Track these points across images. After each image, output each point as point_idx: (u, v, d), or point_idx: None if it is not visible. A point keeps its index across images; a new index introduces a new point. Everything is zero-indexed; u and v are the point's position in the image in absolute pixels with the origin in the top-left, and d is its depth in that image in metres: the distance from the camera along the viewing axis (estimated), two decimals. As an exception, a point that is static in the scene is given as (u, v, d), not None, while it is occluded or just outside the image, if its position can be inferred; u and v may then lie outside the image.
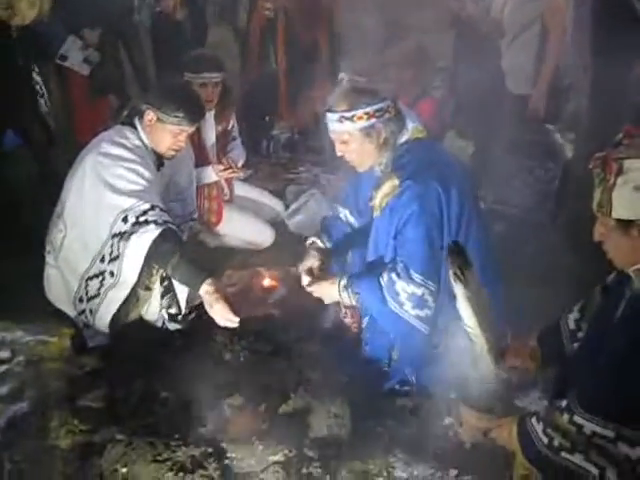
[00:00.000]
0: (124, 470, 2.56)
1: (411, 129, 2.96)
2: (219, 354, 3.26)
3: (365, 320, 3.14)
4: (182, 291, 3.26)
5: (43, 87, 4.25)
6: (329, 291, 3.04)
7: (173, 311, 3.29)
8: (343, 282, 2.99)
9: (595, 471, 1.93)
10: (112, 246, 3.15)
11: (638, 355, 1.89)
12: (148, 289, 3.23)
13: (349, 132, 2.88)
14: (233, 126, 4.56)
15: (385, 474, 2.66)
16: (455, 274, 2.24)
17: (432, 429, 2.87)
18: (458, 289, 2.27)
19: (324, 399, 2.89)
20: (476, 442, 2.58)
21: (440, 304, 2.85)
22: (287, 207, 4.80)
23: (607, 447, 1.92)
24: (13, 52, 3.93)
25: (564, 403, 2.01)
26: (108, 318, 3.23)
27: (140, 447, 2.64)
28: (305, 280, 3.14)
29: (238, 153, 4.54)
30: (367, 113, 2.84)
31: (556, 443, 2.00)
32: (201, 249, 4.08)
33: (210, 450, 2.66)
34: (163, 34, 5.83)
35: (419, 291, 2.82)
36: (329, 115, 2.91)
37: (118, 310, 3.22)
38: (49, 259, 3.41)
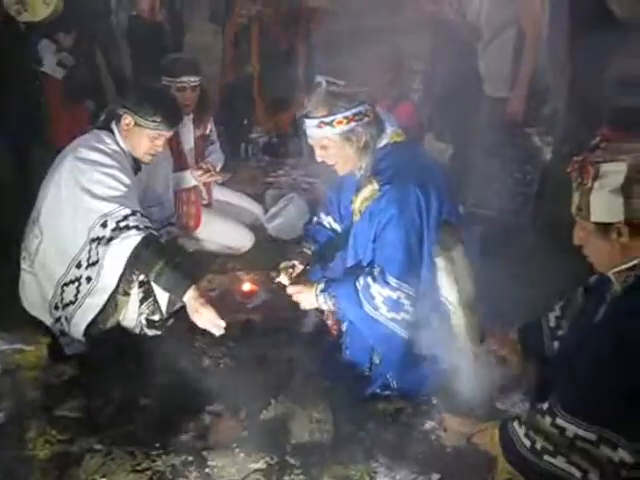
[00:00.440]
0: (103, 480, 2.53)
1: (390, 133, 2.95)
2: (198, 360, 3.25)
3: (345, 325, 3.13)
4: (162, 296, 3.24)
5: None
6: (307, 296, 3.02)
7: (155, 317, 3.26)
8: (320, 286, 2.98)
9: (578, 474, 1.93)
10: (90, 251, 3.12)
11: (619, 357, 1.90)
12: (127, 294, 3.20)
13: (328, 137, 2.87)
14: (211, 130, 4.54)
15: (367, 479, 2.65)
16: (441, 247, 2.25)
17: (414, 433, 2.87)
18: (440, 262, 2.27)
19: (305, 405, 2.88)
20: (459, 447, 2.58)
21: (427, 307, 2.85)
22: (266, 211, 4.79)
23: (590, 450, 1.92)
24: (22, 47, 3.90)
25: (546, 406, 2.00)
26: (83, 325, 3.19)
27: (119, 457, 2.62)
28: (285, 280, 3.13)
29: (217, 157, 4.51)
30: (346, 117, 2.83)
31: (538, 446, 1.99)
32: (180, 254, 4.04)
33: (190, 458, 2.64)
34: (139, 37, 5.81)
35: (394, 295, 2.82)
36: (307, 121, 2.89)
37: (95, 318, 3.18)
38: (24, 265, 3.37)
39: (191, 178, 4.21)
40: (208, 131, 4.48)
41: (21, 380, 3.07)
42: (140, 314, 3.27)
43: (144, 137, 3.30)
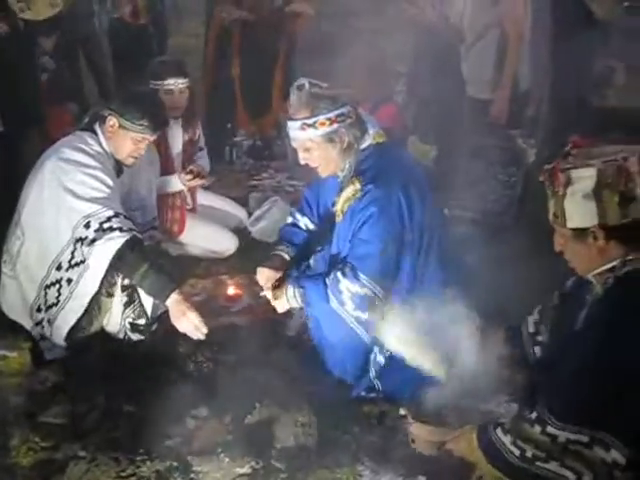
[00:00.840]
0: (87, 487, 2.51)
1: (372, 134, 2.96)
2: (183, 365, 3.23)
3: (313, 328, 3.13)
4: (147, 300, 3.23)
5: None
6: (279, 295, 3.02)
7: (141, 321, 3.25)
8: (290, 280, 3.00)
9: (572, 476, 1.94)
10: (72, 252, 3.11)
11: (603, 362, 1.90)
12: (110, 296, 3.19)
13: (311, 139, 2.87)
14: (199, 136, 4.53)
15: (353, 482, 2.65)
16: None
17: (399, 436, 2.86)
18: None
19: (290, 408, 2.87)
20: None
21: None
22: (250, 214, 4.78)
23: (582, 452, 1.92)
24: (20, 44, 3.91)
25: (534, 415, 1.99)
26: (66, 329, 3.18)
27: (103, 463, 2.60)
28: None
29: (204, 163, 4.50)
30: (329, 119, 2.83)
31: (529, 454, 1.99)
32: (163, 258, 4.03)
33: (175, 464, 2.63)
34: (122, 40, 5.78)
35: (362, 291, 2.81)
36: (290, 124, 2.89)
37: (78, 320, 3.17)
38: (5, 269, 3.35)
39: (177, 182, 4.19)
40: (197, 137, 4.47)
41: (4, 387, 3.04)
42: (125, 318, 3.25)
43: (128, 139, 3.29)
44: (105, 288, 3.15)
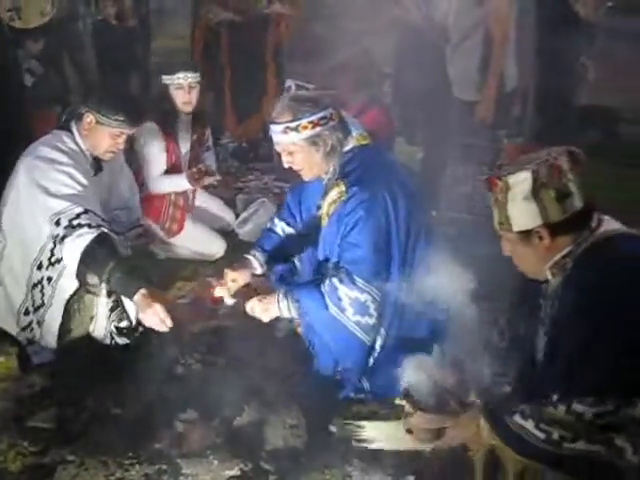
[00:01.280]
0: (76, 491, 2.51)
1: (356, 136, 2.97)
2: (171, 368, 3.23)
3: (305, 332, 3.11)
4: (130, 303, 3.22)
5: None
6: (266, 306, 2.97)
7: (123, 324, 3.24)
8: (282, 291, 2.95)
9: (602, 448, 1.93)
10: (52, 250, 3.11)
11: (603, 325, 1.92)
12: (92, 294, 3.18)
13: (295, 142, 2.87)
14: (208, 136, 4.54)
15: (342, 483, 2.65)
16: None
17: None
18: None
19: (279, 410, 2.88)
20: (427, 447, 2.58)
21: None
22: (237, 216, 4.77)
23: (611, 421, 1.90)
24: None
25: (555, 397, 1.98)
26: (56, 329, 3.17)
27: (92, 467, 2.61)
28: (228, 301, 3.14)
29: (211, 164, 4.52)
30: (311, 122, 2.83)
31: (555, 436, 1.97)
32: (149, 260, 4.02)
33: (164, 467, 2.63)
34: (106, 43, 5.76)
35: (362, 297, 2.82)
36: (273, 127, 2.89)
37: (65, 321, 3.17)
38: None
39: (185, 182, 4.18)
40: (205, 136, 4.49)
41: (-9, 392, 3.03)
42: (111, 322, 3.24)
43: (106, 135, 3.29)
44: (84, 285, 3.14)
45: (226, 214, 4.75)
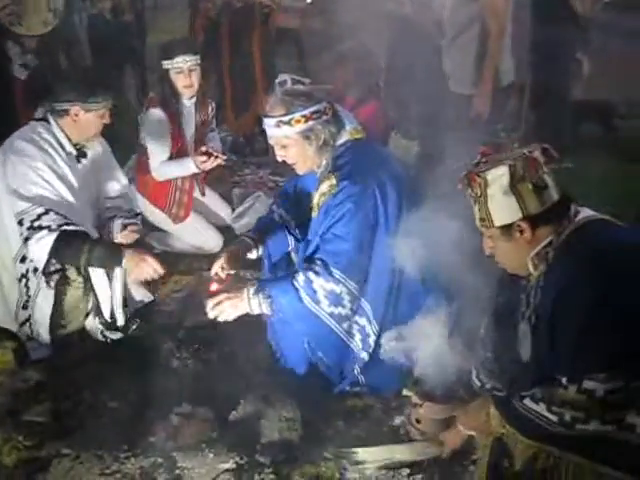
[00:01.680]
0: (71, 485, 2.51)
1: (349, 130, 2.96)
2: (166, 362, 3.23)
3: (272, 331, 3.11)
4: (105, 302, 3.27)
5: None
6: (234, 302, 2.90)
7: (106, 319, 3.27)
8: (252, 289, 2.89)
9: (614, 428, 1.95)
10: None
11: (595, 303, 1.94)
12: (68, 283, 3.19)
13: (288, 136, 2.87)
14: (213, 117, 4.55)
15: (337, 476, 2.65)
16: None
17: (384, 429, 2.88)
18: None
19: (274, 403, 2.87)
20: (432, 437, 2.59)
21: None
22: (233, 210, 4.77)
23: (622, 398, 1.92)
24: None
25: (564, 379, 1.99)
26: (46, 321, 3.18)
27: (87, 460, 2.61)
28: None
29: (215, 144, 4.51)
30: (304, 116, 2.83)
31: (568, 418, 1.98)
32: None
33: (160, 460, 2.63)
34: (102, 37, 5.76)
35: (337, 288, 2.81)
36: (266, 121, 2.89)
37: (58, 314, 3.19)
38: None
39: (192, 165, 4.17)
40: (210, 118, 4.49)
41: (-13, 386, 3.03)
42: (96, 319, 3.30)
43: (94, 118, 3.27)
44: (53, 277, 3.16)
45: (223, 208, 4.74)
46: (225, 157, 4.32)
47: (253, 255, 3.26)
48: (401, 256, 2.72)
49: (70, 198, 3.18)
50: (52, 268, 3.13)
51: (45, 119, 3.28)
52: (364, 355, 2.97)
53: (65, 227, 3.06)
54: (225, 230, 4.54)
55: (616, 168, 5.37)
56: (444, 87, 4.81)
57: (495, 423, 2.19)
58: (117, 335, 3.29)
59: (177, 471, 2.61)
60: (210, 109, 4.50)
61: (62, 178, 3.19)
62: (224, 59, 5.87)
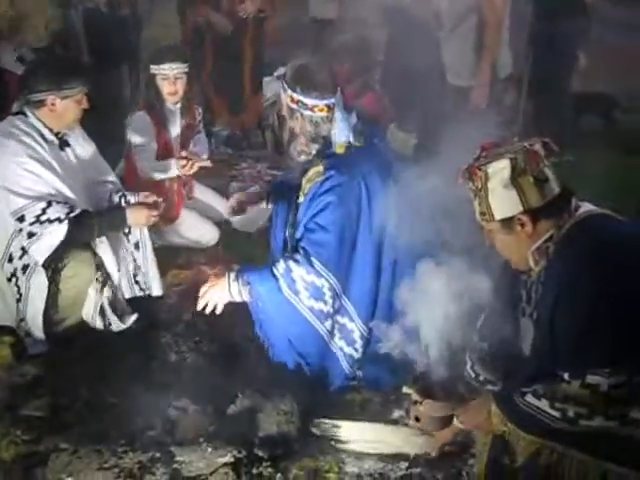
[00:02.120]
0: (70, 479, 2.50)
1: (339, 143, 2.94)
2: (164, 356, 3.23)
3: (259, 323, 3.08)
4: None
5: None
6: (219, 290, 2.93)
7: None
8: (232, 274, 2.92)
9: (617, 424, 1.94)
10: (20, 242, 3.15)
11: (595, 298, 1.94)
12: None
13: (302, 115, 2.88)
14: (199, 121, 4.54)
15: (336, 470, 2.66)
16: None
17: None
18: None
19: (272, 397, 2.87)
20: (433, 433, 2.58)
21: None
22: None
23: (625, 392, 1.91)
24: None
25: (566, 374, 1.99)
26: (39, 318, 3.19)
27: (86, 455, 2.59)
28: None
29: (201, 148, 4.49)
30: (328, 106, 2.85)
31: (571, 414, 1.97)
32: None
33: (158, 454, 2.62)
34: (98, 31, 5.73)
35: (319, 282, 2.82)
36: (302, 96, 2.86)
37: (53, 308, 3.20)
38: None
39: (174, 168, 4.15)
40: (197, 121, 4.49)
41: (-16, 380, 3.02)
42: (102, 296, 3.33)
43: (71, 105, 3.27)
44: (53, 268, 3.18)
45: (220, 203, 4.72)
46: (208, 161, 4.32)
47: (263, 205, 3.38)
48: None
49: (60, 185, 3.19)
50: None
51: (22, 112, 3.26)
52: (350, 351, 2.97)
53: (71, 214, 3.11)
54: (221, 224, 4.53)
55: (616, 161, 5.36)
56: (442, 80, 4.80)
57: (496, 421, 2.18)
58: (118, 324, 3.33)
59: (175, 465, 2.59)
60: (197, 114, 4.50)
61: (49, 167, 3.19)
62: (207, 61, 5.84)
